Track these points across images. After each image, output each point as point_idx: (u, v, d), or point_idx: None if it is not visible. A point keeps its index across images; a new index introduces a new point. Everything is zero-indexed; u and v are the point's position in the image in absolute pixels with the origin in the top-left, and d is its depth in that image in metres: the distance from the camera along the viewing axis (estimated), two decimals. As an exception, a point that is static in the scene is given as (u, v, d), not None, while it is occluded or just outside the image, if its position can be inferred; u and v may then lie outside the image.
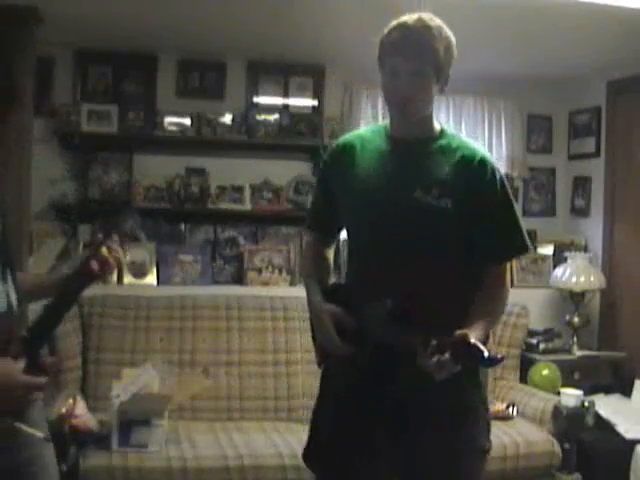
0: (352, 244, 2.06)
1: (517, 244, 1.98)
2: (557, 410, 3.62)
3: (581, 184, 4.80)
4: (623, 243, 4.47)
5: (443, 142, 1.96)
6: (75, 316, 3.56)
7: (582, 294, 4.42)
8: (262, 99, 4.44)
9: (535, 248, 4.83)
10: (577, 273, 4.37)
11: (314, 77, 4.49)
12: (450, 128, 2.07)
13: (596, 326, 4.57)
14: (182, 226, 4.30)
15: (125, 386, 3.15)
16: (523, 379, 4.12)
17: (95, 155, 4.19)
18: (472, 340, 1.62)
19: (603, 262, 4.57)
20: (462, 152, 1.93)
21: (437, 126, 1.99)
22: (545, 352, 4.27)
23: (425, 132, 1.96)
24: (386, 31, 1.91)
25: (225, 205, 4.29)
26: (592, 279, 4.37)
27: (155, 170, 4.25)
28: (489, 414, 2.02)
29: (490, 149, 4.70)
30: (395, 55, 1.86)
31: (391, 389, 1.89)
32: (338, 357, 1.93)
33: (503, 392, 4.00)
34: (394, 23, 1.90)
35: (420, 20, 1.86)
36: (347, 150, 2.02)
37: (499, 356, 1.64)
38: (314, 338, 2.06)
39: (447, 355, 1.62)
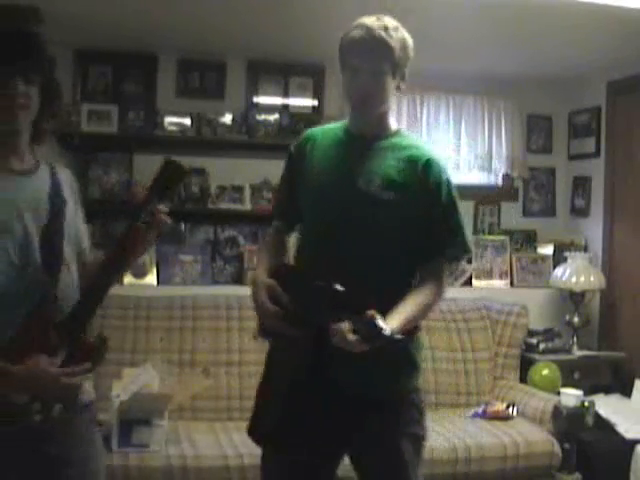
0: (304, 230, 2.16)
1: (457, 247, 2.07)
2: (557, 410, 3.62)
3: (581, 184, 4.80)
4: (623, 243, 4.47)
5: (395, 140, 2.07)
6: (75, 316, 3.56)
7: (582, 294, 4.42)
8: (262, 99, 4.44)
9: (535, 248, 4.85)
10: (577, 273, 4.37)
11: (314, 77, 4.49)
12: (406, 130, 2.23)
13: (596, 326, 4.57)
14: (182, 226, 4.30)
15: (125, 386, 3.15)
16: (523, 379, 4.12)
17: (95, 155, 4.19)
18: (375, 319, 1.72)
19: (603, 262, 4.57)
20: (410, 151, 2.04)
21: (394, 125, 2.10)
22: (545, 352, 4.26)
23: (380, 129, 2.08)
24: (347, 31, 2.03)
25: (225, 205, 4.29)
26: (592, 279, 4.37)
27: (155, 170, 4.24)
28: (423, 403, 2.11)
29: (490, 149, 4.71)
30: (354, 54, 1.99)
31: (329, 371, 1.96)
32: (279, 335, 1.99)
33: (503, 392, 4.00)
34: (355, 23, 2.02)
35: (377, 20, 1.99)
36: (309, 142, 2.15)
37: (397, 336, 1.76)
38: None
39: (347, 325, 1.75)
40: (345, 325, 1.75)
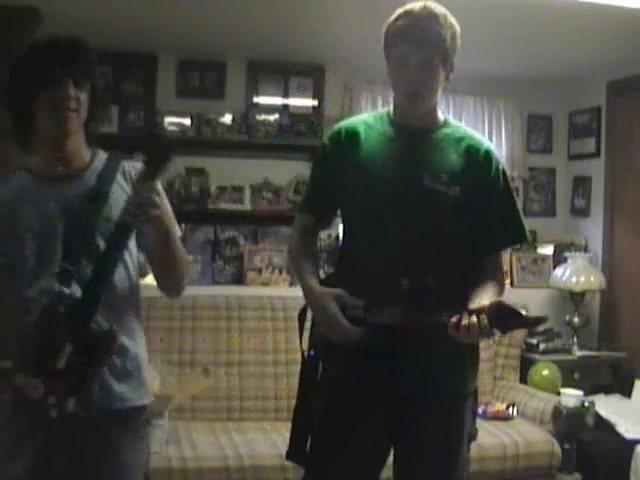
0: (354, 230, 2.02)
1: (518, 234, 2.04)
2: (557, 410, 3.62)
3: (581, 184, 4.80)
4: (623, 243, 4.47)
5: (448, 131, 1.98)
6: (75, 316, 3.56)
7: (582, 294, 4.42)
8: (262, 99, 4.44)
9: (535, 248, 4.85)
10: (577, 273, 4.37)
11: (314, 77, 4.49)
12: (452, 119, 2.09)
13: (596, 326, 4.57)
14: (182, 226, 4.30)
15: (125, 386, 3.15)
16: (523, 379, 4.12)
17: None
18: (507, 303, 1.66)
19: (603, 262, 4.57)
20: (468, 142, 1.97)
21: (441, 115, 2.01)
22: (545, 352, 4.27)
23: (430, 120, 1.97)
24: (392, 19, 1.90)
25: (225, 205, 4.29)
26: (592, 279, 4.37)
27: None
28: (477, 403, 2.07)
29: (490, 149, 4.71)
30: (402, 44, 1.86)
31: (392, 373, 1.89)
32: (343, 345, 1.86)
33: (503, 392, 4.00)
34: (400, 11, 1.89)
35: (426, 8, 1.86)
36: (350, 135, 1.99)
37: (542, 315, 1.72)
38: (301, 328, 2.01)
39: (484, 320, 1.66)
40: (476, 318, 1.67)
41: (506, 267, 4.66)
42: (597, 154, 4.63)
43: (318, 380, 2.00)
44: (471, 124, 4.67)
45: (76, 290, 1.71)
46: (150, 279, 4.41)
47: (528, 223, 5.32)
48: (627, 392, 4.07)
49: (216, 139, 4.25)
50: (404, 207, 1.90)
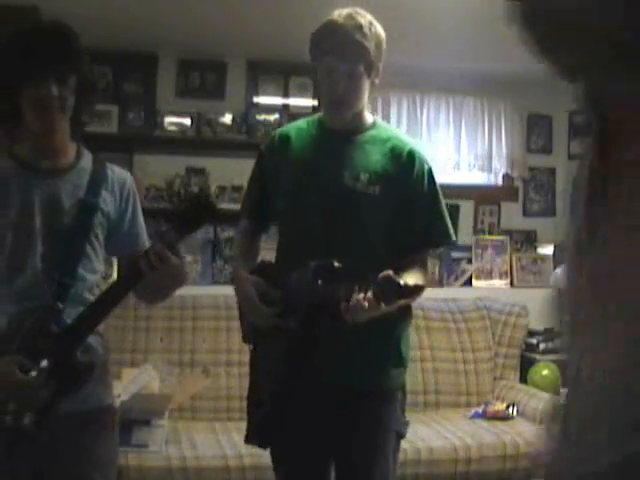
0: (283, 230, 2.12)
1: (440, 236, 2.08)
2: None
3: (581, 184, 4.80)
4: (623, 243, 4.46)
5: (374, 132, 2.05)
6: (75, 316, 3.56)
7: (582, 294, 4.42)
8: (262, 99, 4.44)
9: (535, 248, 4.85)
10: (577, 273, 4.37)
11: (314, 77, 4.48)
12: (382, 120, 2.19)
13: (596, 326, 4.57)
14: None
15: (125, 386, 3.15)
16: (523, 379, 4.12)
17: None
18: (393, 277, 1.67)
19: (603, 262, 4.56)
20: (393, 143, 2.02)
21: (369, 118, 2.08)
22: (545, 352, 4.27)
23: (356, 123, 2.05)
24: (317, 29, 1.98)
25: (225, 205, 4.28)
26: (592, 279, 4.37)
27: (155, 170, 4.25)
28: (405, 399, 2.09)
29: (490, 149, 4.71)
30: (328, 55, 1.94)
31: (316, 362, 1.94)
32: (268, 332, 1.96)
33: (503, 392, 4.00)
34: (325, 21, 1.97)
35: (350, 18, 1.92)
36: (283, 141, 2.10)
37: (419, 284, 1.74)
38: (241, 315, 2.12)
39: (368, 294, 1.66)
40: (360, 294, 1.68)
41: (506, 267, 4.68)
42: (597, 154, 4.63)
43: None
44: (471, 124, 4.68)
45: (71, 309, 1.69)
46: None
47: (528, 223, 5.30)
48: (627, 392, 4.07)
49: (216, 139, 4.25)
50: (325, 206, 1.97)
